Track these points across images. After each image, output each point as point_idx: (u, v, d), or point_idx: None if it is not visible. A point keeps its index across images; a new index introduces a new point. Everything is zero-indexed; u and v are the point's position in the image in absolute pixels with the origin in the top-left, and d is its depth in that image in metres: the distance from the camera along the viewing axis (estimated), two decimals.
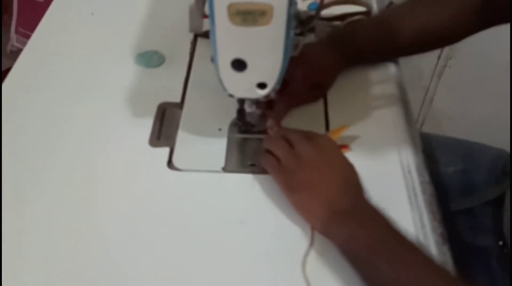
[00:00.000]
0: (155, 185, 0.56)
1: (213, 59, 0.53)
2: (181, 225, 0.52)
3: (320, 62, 0.62)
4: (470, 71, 1.33)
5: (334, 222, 0.49)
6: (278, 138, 0.54)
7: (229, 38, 0.47)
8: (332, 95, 0.66)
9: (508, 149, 0.80)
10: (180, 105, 0.65)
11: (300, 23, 0.53)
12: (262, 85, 0.52)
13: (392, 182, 0.56)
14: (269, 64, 0.50)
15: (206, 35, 0.74)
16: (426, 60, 1.34)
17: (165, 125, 0.62)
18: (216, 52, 0.49)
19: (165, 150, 0.59)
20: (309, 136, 0.54)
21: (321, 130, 0.62)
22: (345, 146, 0.59)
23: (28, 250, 0.50)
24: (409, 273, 0.45)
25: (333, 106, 0.65)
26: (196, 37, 0.74)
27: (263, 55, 0.49)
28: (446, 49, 1.30)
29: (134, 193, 0.55)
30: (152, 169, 0.57)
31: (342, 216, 0.49)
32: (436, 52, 1.31)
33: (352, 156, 0.58)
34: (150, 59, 0.70)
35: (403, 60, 0.73)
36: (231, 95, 0.54)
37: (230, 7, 0.45)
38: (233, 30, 0.46)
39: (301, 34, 0.53)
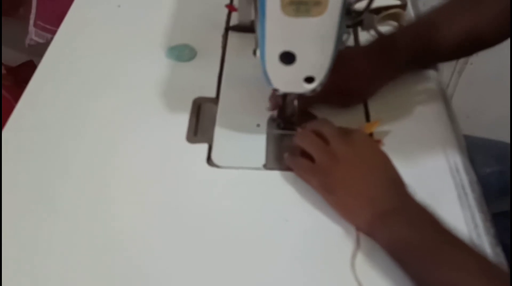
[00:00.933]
0: (195, 183, 0.54)
1: (255, 52, 0.51)
2: (223, 224, 0.50)
3: (354, 68, 0.58)
4: (491, 69, 1.31)
5: (378, 222, 0.47)
6: (310, 134, 0.52)
7: (280, 30, 0.45)
8: None
9: None
10: (215, 100, 0.63)
11: (348, 14, 0.51)
12: (309, 79, 0.50)
13: (440, 181, 0.54)
14: (319, 57, 0.48)
15: (236, 28, 0.72)
16: None
17: (201, 121, 0.61)
18: (264, 44, 0.47)
19: (203, 146, 0.57)
20: (344, 132, 0.52)
21: (361, 124, 0.60)
22: (378, 141, 0.57)
23: (52, 248, 0.48)
24: (463, 276, 0.42)
25: (373, 100, 0.63)
26: (227, 30, 0.72)
27: (313, 48, 0.47)
28: None
29: (173, 191, 0.53)
30: (191, 166, 0.55)
31: (386, 216, 0.46)
32: None
33: (396, 153, 0.56)
34: (182, 52, 0.68)
35: None
36: (275, 90, 0.52)
37: None
38: (284, 21, 0.44)
39: (349, 26, 0.51)
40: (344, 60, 0.55)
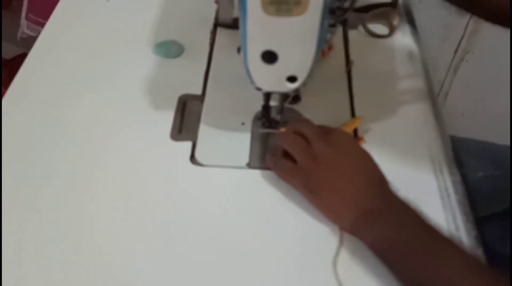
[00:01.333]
0: (178, 181, 0.54)
1: (239, 50, 0.51)
2: (205, 222, 0.50)
3: None
4: (487, 67, 1.30)
5: (363, 222, 0.47)
6: (292, 134, 0.52)
7: (261, 29, 0.45)
8: (358, 86, 0.64)
9: None
10: (201, 97, 0.62)
11: (332, 13, 0.50)
12: (292, 79, 0.49)
13: (423, 182, 0.54)
14: (301, 56, 0.47)
15: (225, 24, 0.72)
16: (442, 53, 1.31)
17: (186, 118, 0.60)
18: (246, 43, 0.47)
19: (187, 144, 0.57)
20: (324, 132, 0.52)
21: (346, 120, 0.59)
22: (359, 139, 0.57)
23: (38, 249, 0.48)
24: (448, 272, 0.42)
25: (359, 98, 0.63)
26: (216, 26, 0.72)
27: (295, 47, 0.46)
28: (464, 43, 1.27)
29: (156, 189, 0.53)
30: (175, 164, 0.55)
31: (370, 215, 0.46)
32: (453, 45, 1.29)
33: (379, 152, 0.56)
34: (169, 49, 0.68)
35: None
36: (258, 89, 0.52)
37: None
38: (265, 20, 0.44)
39: (332, 25, 0.51)
40: None
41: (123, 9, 0.75)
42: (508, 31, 0.56)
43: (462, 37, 1.25)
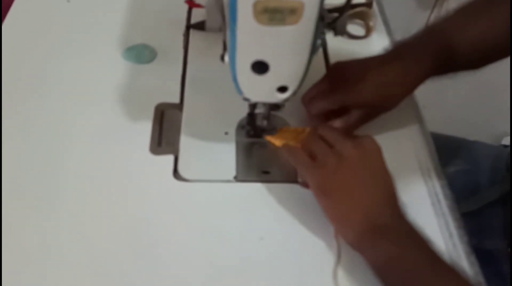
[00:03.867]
0: (161, 198, 0.50)
1: (223, 58, 0.48)
2: (194, 242, 0.47)
3: (371, 80, 0.53)
4: None
5: (369, 236, 0.44)
6: (316, 138, 0.49)
7: (252, 39, 0.42)
8: None
9: (484, 140, 0.80)
10: (180, 106, 0.59)
11: (321, 20, 0.48)
12: (282, 89, 0.47)
13: (413, 187, 0.53)
14: (293, 66, 0.45)
15: (198, 26, 0.68)
16: None
17: (165, 130, 0.57)
18: (235, 53, 0.44)
19: (169, 158, 0.54)
20: (351, 137, 0.48)
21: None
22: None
23: (24, 266, 0.44)
24: None
25: None
26: (188, 28, 0.68)
27: (288, 57, 0.44)
28: None
29: (137, 208, 0.50)
30: (157, 181, 0.52)
31: (377, 230, 0.44)
32: None
33: None
34: (141, 54, 0.64)
35: None
36: (246, 99, 0.49)
37: (256, 4, 0.39)
38: (257, 30, 0.41)
39: (321, 32, 0.49)
40: (358, 74, 0.52)
41: (86, 10, 0.70)
42: None
43: None
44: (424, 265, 0.43)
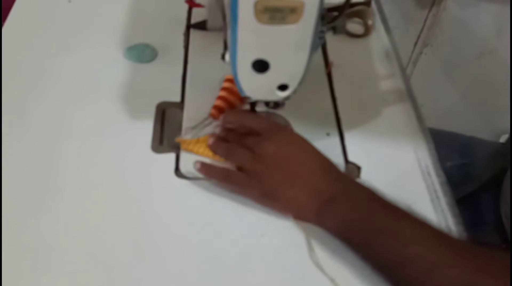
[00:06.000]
0: (163, 196, 0.51)
1: (224, 57, 0.49)
2: (194, 239, 0.48)
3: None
4: (444, 59, 1.34)
5: (326, 208, 0.46)
6: (234, 146, 0.51)
7: (253, 38, 0.43)
8: (339, 88, 0.63)
9: (478, 136, 0.81)
10: (181, 104, 0.59)
11: (321, 19, 0.49)
12: (283, 87, 0.48)
13: (412, 184, 0.54)
14: (294, 64, 0.46)
15: (198, 25, 0.69)
16: (403, 47, 1.33)
17: (167, 128, 0.57)
18: (236, 51, 0.45)
19: (170, 156, 0.54)
20: (265, 136, 0.51)
21: (332, 127, 0.59)
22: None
23: (24, 265, 0.44)
24: (414, 247, 0.41)
25: (341, 100, 0.62)
26: (188, 28, 0.69)
27: (288, 55, 0.45)
28: (423, 36, 1.30)
29: (139, 206, 0.50)
30: (158, 179, 0.52)
31: (332, 200, 0.46)
32: (413, 39, 1.31)
33: (366, 157, 0.56)
34: (142, 53, 0.64)
35: None
36: (247, 97, 0.49)
37: (257, 3, 0.40)
38: (258, 28, 0.42)
39: (322, 31, 0.49)
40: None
41: (87, 10, 0.71)
42: None
43: (422, 30, 1.28)
44: (382, 217, 0.43)
